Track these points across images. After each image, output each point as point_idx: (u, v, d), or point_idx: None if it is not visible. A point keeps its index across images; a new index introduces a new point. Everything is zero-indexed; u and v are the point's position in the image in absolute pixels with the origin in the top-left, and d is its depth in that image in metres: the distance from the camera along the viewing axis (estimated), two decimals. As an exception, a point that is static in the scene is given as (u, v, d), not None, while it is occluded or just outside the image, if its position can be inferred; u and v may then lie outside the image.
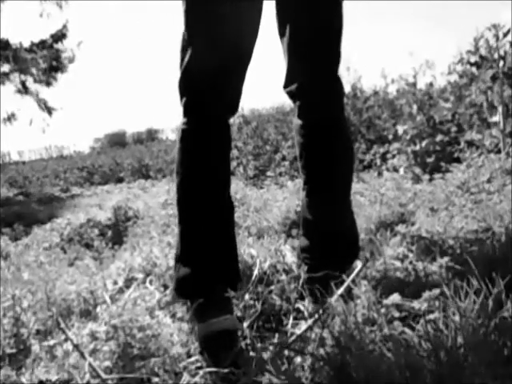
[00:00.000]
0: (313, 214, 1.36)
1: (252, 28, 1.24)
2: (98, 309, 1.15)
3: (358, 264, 1.28)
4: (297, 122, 1.37)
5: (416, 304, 1.09)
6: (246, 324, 1.18)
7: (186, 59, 1.21)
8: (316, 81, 1.32)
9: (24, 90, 12.28)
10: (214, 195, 1.23)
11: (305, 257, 1.36)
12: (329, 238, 1.34)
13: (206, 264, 1.19)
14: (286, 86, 1.36)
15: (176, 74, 1.27)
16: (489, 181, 2.67)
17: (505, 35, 3.78)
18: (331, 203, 1.35)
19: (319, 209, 1.35)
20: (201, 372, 1.01)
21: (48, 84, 12.41)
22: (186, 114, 1.24)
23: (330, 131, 1.34)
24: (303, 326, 1.08)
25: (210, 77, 1.20)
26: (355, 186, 3.58)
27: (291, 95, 1.37)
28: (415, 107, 4.58)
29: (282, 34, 1.34)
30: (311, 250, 1.35)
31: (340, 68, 1.36)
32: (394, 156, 4.87)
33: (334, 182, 1.36)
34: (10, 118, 11.97)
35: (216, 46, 1.19)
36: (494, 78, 3.82)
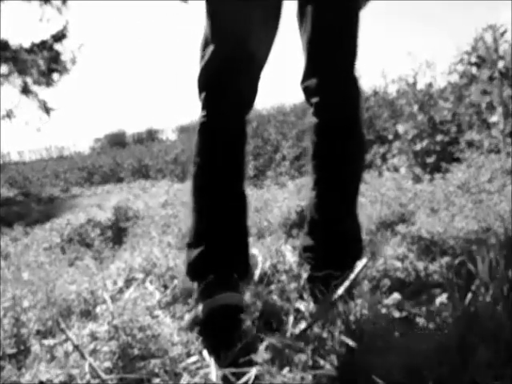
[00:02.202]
0: (321, 214, 1.35)
1: (269, 28, 1.29)
2: (98, 309, 1.15)
3: (359, 264, 1.28)
4: (312, 120, 1.36)
5: (416, 304, 1.09)
6: (246, 324, 1.18)
7: (206, 56, 1.27)
8: (331, 80, 1.33)
9: (25, 91, 12.30)
10: (228, 186, 1.26)
11: (308, 256, 1.35)
12: (334, 237, 1.34)
13: (218, 246, 1.22)
14: (302, 82, 1.37)
15: (194, 70, 1.32)
16: (489, 181, 2.66)
17: (501, 35, 3.78)
18: (341, 204, 1.36)
19: (328, 209, 1.35)
20: (201, 372, 1.01)
21: (48, 85, 12.43)
22: (204, 107, 1.29)
23: (344, 131, 1.34)
24: (303, 325, 1.08)
25: (226, 74, 1.26)
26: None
27: (307, 92, 1.37)
28: (416, 107, 4.58)
29: (301, 32, 1.36)
30: (315, 250, 1.34)
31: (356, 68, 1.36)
32: (394, 156, 4.87)
33: (345, 183, 1.36)
34: (10, 114, 11.97)
35: (232, 45, 1.25)
36: (490, 79, 3.83)
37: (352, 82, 1.35)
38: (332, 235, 1.34)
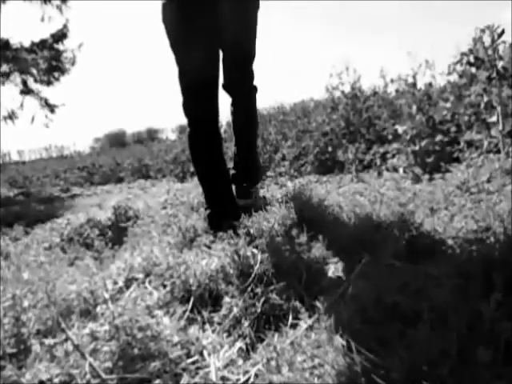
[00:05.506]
0: (237, 156, 2.42)
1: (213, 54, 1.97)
2: (99, 309, 1.15)
3: (358, 265, 1.28)
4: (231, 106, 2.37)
5: (415, 304, 1.09)
6: (246, 324, 1.19)
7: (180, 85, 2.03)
8: (234, 81, 2.26)
9: (26, 89, 12.27)
10: (212, 166, 2.07)
11: (235, 178, 2.36)
12: (246, 167, 2.41)
13: (213, 205, 2.08)
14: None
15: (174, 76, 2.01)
16: (488, 181, 2.67)
17: (499, 36, 3.78)
18: (247, 151, 2.43)
19: (241, 153, 2.42)
20: (201, 372, 1.01)
21: (49, 83, 12.41)
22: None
23: (242, 111, 2.38)
24: (303, 325, 1.08)
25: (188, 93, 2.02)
26: (355, 186, 3.58)
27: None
28: (414, 107, 4.58)
29: None
30: (236, 176, 2.38)
31: (252, 65, 2.26)
32: (393, 156, 4.87)
33: (248, 139, 2.44)
34: (11, 116, 11.94)
35: (186, 69, 1.95)
36: (489, 79, 3.83)
37: (247, 78, 2.28)
38: (244, 166, 2.40)
